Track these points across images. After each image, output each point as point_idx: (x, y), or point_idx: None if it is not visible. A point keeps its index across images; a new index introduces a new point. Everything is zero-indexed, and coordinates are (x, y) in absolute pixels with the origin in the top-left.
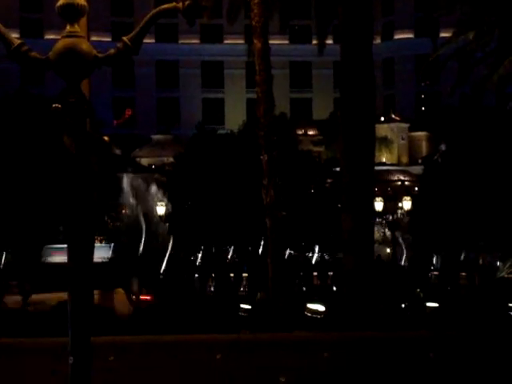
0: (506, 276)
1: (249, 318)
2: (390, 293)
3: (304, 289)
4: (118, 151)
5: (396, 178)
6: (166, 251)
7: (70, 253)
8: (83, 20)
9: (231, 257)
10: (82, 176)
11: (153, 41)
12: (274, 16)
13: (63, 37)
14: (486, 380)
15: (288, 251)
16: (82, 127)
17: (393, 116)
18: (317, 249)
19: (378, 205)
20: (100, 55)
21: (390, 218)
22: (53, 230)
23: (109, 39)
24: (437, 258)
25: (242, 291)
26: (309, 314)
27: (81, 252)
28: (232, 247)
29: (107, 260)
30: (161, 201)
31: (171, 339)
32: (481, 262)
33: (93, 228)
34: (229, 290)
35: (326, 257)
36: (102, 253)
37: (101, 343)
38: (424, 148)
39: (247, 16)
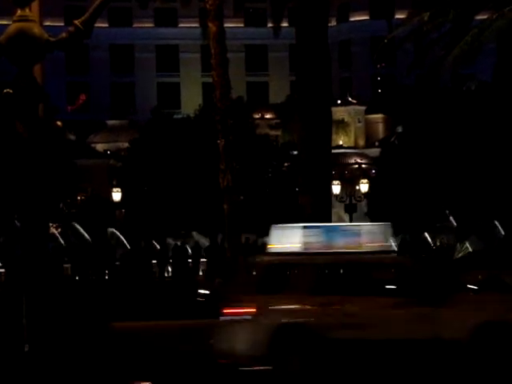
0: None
1: (207, 303)
2: None
3: None
4: (72, 137)
5: (353, 161)
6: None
7: (24, 239)
8: (35, 4)
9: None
10: (35, 162)
11: (106, 25)
12: None
13: (14, 21)
14: None
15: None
16: (35, 113)
17: (349, 99)
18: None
19: (336, 188)
20: (52, 39)
21: (348, 200)
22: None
23: (62, 24)
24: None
25: (201, 276)
26: None
27: (35, 238)
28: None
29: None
30: (116, 187)
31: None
32: (438, 243)
33: (46, 214)
34: (187, 276)
35: None
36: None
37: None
38: (381, 130)
39: None
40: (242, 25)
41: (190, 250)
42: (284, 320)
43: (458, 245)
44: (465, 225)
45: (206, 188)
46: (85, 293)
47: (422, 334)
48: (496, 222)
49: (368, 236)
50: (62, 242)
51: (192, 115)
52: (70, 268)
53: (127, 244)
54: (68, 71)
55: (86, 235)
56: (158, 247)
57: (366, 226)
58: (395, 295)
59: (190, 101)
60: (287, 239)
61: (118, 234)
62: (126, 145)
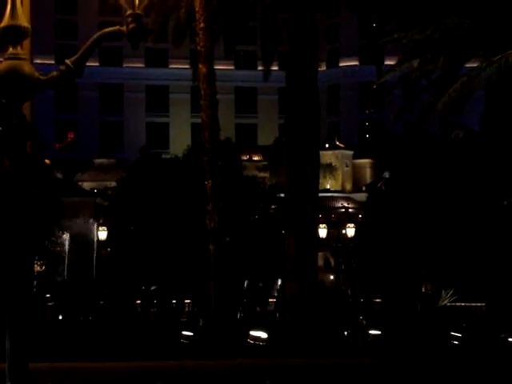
0: (447, 304)
1: (191, 345)
2: (333, 320)
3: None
4: (59, 175)
5: (340, 205)
6: (108, 276)
7: (8, 276)
8: (26, 42)
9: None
10: (22, 199)
11: (97, 64)
12: (219, 41)
13: (5, 59)
14: None
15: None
16: (23, 150)
17: (337, 143)
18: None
19: (322, 231)
20: (42, 77)
21: (334, 244)
22: None
23: (52, 62)
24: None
25: (185, 318)
26: (251, 341)
27: (19, 275)
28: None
29: None
30: (102, 225)
31: (110, 366)
32: (423, 289)
33: (31, 251)
34: (171, 317)
35: (260, 284)
36: None
37: (35, 369)
38: (368, 175)
39: (193, 41)
40: (232, 67)
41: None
42: None
43: (443, 292)
44: (450, 272)
45: (192, 229)
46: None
47: None
48: None
49: None
50: (46, 279)
51: (180, 155)
52: (53, 307)
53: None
54: (57, 109)
55: (70, 273)
56: (143, 287)
57: None
58: None
59: (179, 141)
60: None
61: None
62: (114, 184)
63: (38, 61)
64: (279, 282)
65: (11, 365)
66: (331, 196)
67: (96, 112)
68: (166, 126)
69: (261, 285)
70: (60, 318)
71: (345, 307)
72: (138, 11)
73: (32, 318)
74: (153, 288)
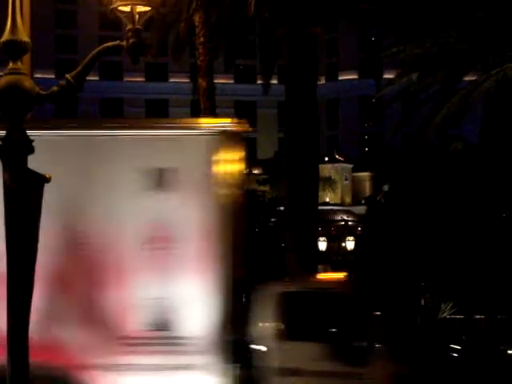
0: (447, 317)
1: None
2: None
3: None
4: None
5: (339, 218)
6: None
7: (11, 290)
8: (27, 57)
9: None
10: (23, 213)
11: (97, 78)
12: (218, 55)
13: (6, 74)
14: None
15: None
16: (23, 164)
17: (336, 156)
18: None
19: (322, 244)
20: (43, 92)
21: (334, 257)
22: None
23: (52, 76)
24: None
25: None
26: None
27: (21, 288)
28: None
29: None
30: None
31: None
32: (423, 302)
33: (33, 264)
34: None
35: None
36: None
37: None
38: (367, 188)
39: (192, 55)
40: (232, 81)
41: None
42: None
43: (443, 305)
44: (449, 285)
45: None
46: None
47: None
48: None
49: None
50: None
51: None
52: None
53: None
54: None
55: None
56: None
57: None
58: None
59: None
60: None
61: None
62: None
63: (39, 75)
64: None
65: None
66: (331, 209)
67: None
68: None
69: None
70: None
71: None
72: (138, 26)
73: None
74: None
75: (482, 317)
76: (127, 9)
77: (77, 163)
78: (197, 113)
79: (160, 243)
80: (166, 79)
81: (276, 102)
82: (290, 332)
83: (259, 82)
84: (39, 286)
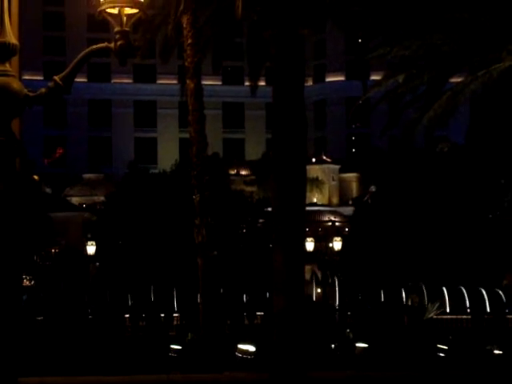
0: (434, 317)
1: (179, 358)
2: (320, 333)
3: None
4: (48, 190)
5: (327, 219)
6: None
7: None
8: (15, 59)
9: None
10: (10, 215)
11: (85, 80)
12: (206, 57)
13: None
14: None
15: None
16: (12, 166)
17: (324, 157)
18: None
19: (309, 245)
20: (31, 94)
21: (321, 257)
22: None
23: (41, 78)
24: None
25: (173, 331)
26: (239, 355)
27: (8, 290)
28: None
29: None
30: (91, 240)
31: (99, 380)
32: (409, 302)
33: (20, 267)
34: (159, 330)
35: (248, 297)
36: None
37: (24, 383)
38: (354, 189)
39: (180, 56)
40: (219, 83)
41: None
42: None
43: (429, 305)
44: (436, 285)
45: (180, 243)
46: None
47: None
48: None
49: None
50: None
51: (168, 170)
52: (43, 321)
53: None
54: (46, 124)
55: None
56: (131, 301)
57: None
58: None
59: (167, 156)
60: None
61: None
62: (102, 198)
63: (27, 77)
64: (267, 295)
65: (0, 380)
66: (318, 210)
67: (84, 127)
68: (154, 141)
69: (248, 298)
70: (48, 331)
71: (332, 320)
72: (126, 28)
73: (21, 333)
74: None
75: (469, 317)
76: (115, 11)
77: None
78: (185, 114)
79: None
80: (154, 81)
81: (264, 104)
82: None
83: (247, 83)
84: None
